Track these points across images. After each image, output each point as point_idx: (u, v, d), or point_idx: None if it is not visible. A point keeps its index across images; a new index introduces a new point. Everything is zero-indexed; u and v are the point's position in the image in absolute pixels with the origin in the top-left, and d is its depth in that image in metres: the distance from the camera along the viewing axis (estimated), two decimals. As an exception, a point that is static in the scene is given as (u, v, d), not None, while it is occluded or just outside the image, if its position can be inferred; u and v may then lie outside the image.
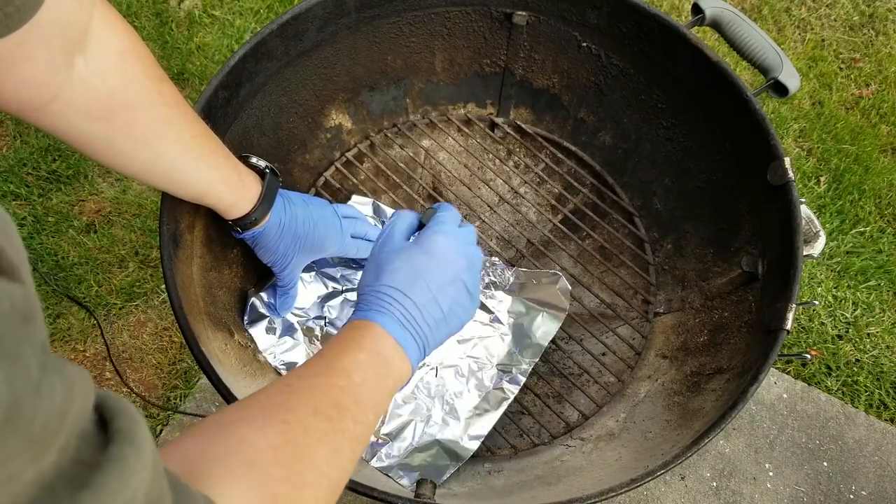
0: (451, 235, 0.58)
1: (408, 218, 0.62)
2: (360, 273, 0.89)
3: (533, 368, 0.86)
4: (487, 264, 0.91)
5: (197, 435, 0.38)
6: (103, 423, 0.24)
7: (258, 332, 0.83)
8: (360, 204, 0.95)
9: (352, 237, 0.82)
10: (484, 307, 0.89)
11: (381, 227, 0.93)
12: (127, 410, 0.25)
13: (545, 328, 0.87)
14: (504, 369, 0.85)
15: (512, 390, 0.84)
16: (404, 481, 0.77)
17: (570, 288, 0.88)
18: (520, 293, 0.90)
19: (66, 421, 0.21)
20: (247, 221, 0.71)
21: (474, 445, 0.80)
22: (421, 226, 0.62)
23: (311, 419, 0.41)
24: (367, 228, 0.84)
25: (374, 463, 0.78)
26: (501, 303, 0.90)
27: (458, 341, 0.87)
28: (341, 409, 0.44)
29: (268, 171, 0.73)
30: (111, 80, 0.54)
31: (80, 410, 0.22)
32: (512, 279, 0.90)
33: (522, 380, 0.84)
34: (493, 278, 0.91)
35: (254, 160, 0.73)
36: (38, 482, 0.20)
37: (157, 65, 0.58)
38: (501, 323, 0.88)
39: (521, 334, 0.87)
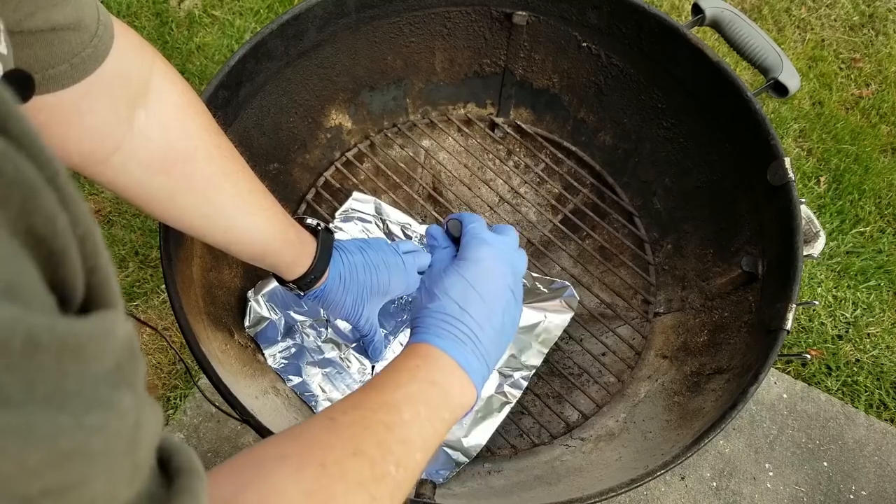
0: (492, 243, 0.57)
1: (437, 231, 0.61)
2: None
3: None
4: None
5: (234, 473, 0.37)
6: (161, 461, 0.24)
7: (259, 334, 0.83)
8: (362, 202, 0.95)
9: (419, 273, 0.79)
10: None
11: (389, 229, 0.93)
12: (182, 450, 0.25)
13: (547, 334, 0.87)
14: (506, 373, 0.85)
15: (514, 394, 0.84)
16: None
17: (577, 297, 0.88)
18: (525, 298, 0.90)
19: (153, 452, 0.22)
20: (307, 280, 0.69)
21: (476, 448, 0.80)
22: (452, 238, 0.61)
23: (350, 461, 0.39)
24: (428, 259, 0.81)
25: None
26: None
27: None
28: (385, 451, 0.41)
29: (320, 228, 0.71)
30: (171, 133, 0.54)
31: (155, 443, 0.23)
32: None
33: (524, 384, 0.84)
34: None
35: (308, 220, 0.72)
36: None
37: (214, 120, 0.59)
38: None
39: (523, 339, 0.87)
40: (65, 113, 0.46)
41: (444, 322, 0.51)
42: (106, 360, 0.18)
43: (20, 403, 0.15)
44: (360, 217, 0.94)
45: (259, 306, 0.83)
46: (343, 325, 0.86)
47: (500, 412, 0.82)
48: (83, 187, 1.41)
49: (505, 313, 0.55)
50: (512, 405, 0.83)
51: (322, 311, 0.86)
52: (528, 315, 0.89)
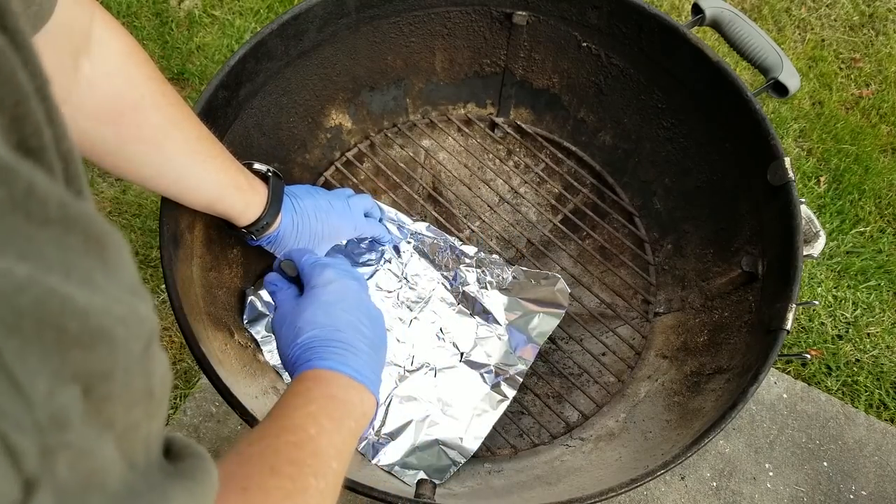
0: (332, 264, 0.60)
1: (274, 277, 0.64)
2: (371, 254, 0.90)
3: (532, 368, 0.86)
4: (487, 261, 0.91)
5: None
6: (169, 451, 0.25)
7: (258, 331, 0.83)
8: None
9: (364, 216, 0.82)
10: (482, 307, 0.89)
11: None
12: (191, 443, 0.25)
13: (542, 328, 0.87)
14: (502, 370, 0.85)
15: (510, 391, 0.84)
16: (408, 479, 0.77)
17: (568, 290, 0.88)
18: (517, 293, 0.90)
19: (165, 403, 0.22)
20: (260, 225, 0.70)
21: (475, 445, 0.80)
22: (290, 279, 0.64)
23: (270, 480, 0.39)
24: (374, 205, 0.84)
25: (376, 461, 0.78)
26: (498, 303, 0.90)
27: (455, 343, 0.87)
28: (300, 466, 0.41)
29: (271, 174, 0.72)
30: (117, 81, 0.54)
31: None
32: (511, 278, 0.90)
33: (520, 380, 0.84)
34: (489, 277, 0.91)
35: (256, 166, 0.73)
36: (146, 443, 0.21)
37: (157, 68, 0.59)
38: (498, 323, 0.88)
39: (517, 334, 0.87)
40: None
41: (319, 346, 0.52)
42: (122, 258, 0.19)
43: (62, 277, 0.16)
44: None
45: (258, 303, 0.83)
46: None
47: (496, 409, 0.82)
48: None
49: (372, 321, 0.56)
50: (509, 402, 0.83)
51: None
52: (522, 310, 0.89)
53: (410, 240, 0.93)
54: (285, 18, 0.80)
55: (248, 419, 0.60)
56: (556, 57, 0.97)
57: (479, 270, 0.91)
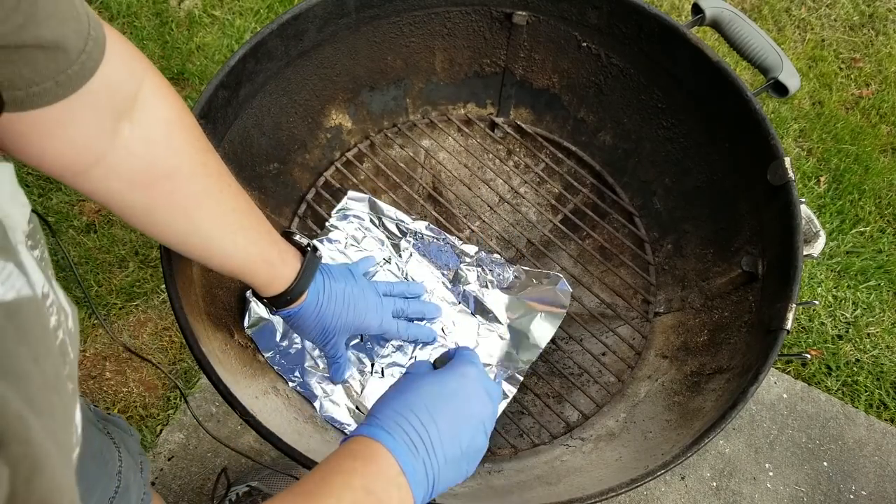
0: (482, 372, 0.54)
1: (422, 364, 0.57)
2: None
3: (533, 368, 0.86)
4: (487, 261, 0.91)
5: None
6: None
7: (258, 335, 0.83)
8: (357, 200, 0.95)
9: (393, 316, 0.79)
10: (482, 307, 0.89)
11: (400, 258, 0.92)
12: None
13: (543, 328, 0.87)
14: (503, 369, 0.85)
15: (510, 390, 0.84)
16: None
17: (570, 290, 0.88)
18: (519, 292, 0.90)
19: None
20: (283, 299, 0.67)
21: None
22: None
23: None
24: (409, 306, 0.81)
25: None
26: (499, 302, 0.90)
27: (456, 343, 0.87)
28: None
29: (309, 248, 0.70)
30: (155, 149, 0.53)
31: None
32: (512, 277, 0.90)
33: (520, 379, 0.84)
34: (490, 276, 0.91)
35: (297, 237, 0.70)
36: None
37: (204, 136, 0.57)
38: (500, 323, 0.88)
39: (519, 334, 0.87)
40: (47, 125, 0.44)
41: (405, 422, 0.46)
42: None
43: None
44: (356, 215, 0.94)
45: (258, 307, 0.83)
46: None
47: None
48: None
49: (473, 440, 0.50)
50: (509, 400, 0.83)
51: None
52: (523, 309, 0.89)
53: (410, 238, 0.93)
54: (285, 18, 0.80)
55: (248, 419, 0.60)
56: (556, 57, 0.97)
57: (479, 269, 0.91)
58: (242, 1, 1.73)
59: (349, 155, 1.00)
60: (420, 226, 0.93)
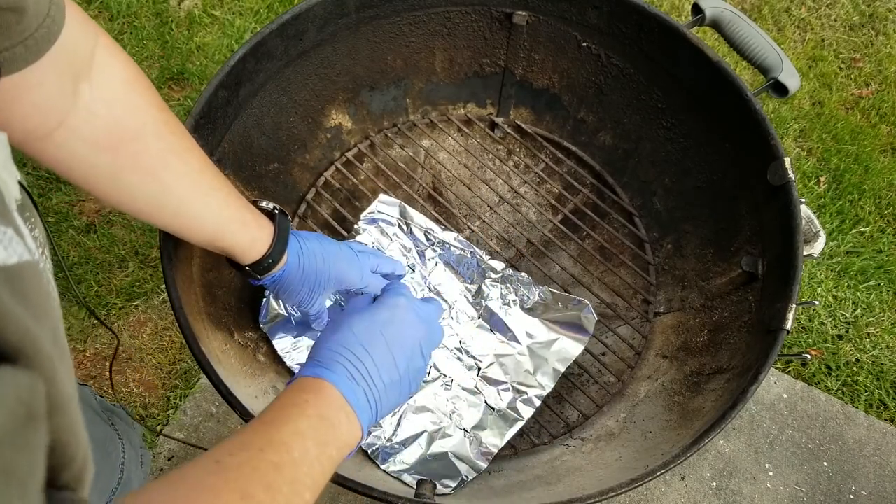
0: (412, 300, 0.58)
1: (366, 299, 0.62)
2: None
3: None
4: (514, 279, 0.89)
5: None
6: None
7: (275, 332, 0.82)
8: (388, 204, 0.93)
9: (371, 272, 0.78)
10: (503, 324, 0.88)
11: (405, 241, 0.91)
12: None
13: (564, 353, 0.85)
14: (520, 390, 0.84)
15: (526, 412, 0.82)
16: (407, 478, 0.77)
17: (595, 317, 0.86)
18: (542, 314, 0.88)
19: None
20: (265, 264, 0.66)
21: (484, 463, 0.79)
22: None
23: None
24: (384, 264, 0.80)
25: (385, 467, 0.78)
26: (520, 322, 0.88)
27: (473, 357, 0.86)
28: (274, 493, 0.40)
29: (277, 211, 0.69)
30: (117, 109, 0.53)
31: None
32: (537, 297, 0.88)
33: (538, 403, 0.83)
34: (513, 295, 0.89)
35: (262, 203, 0.69)
36: None
37: (159, 95, 0.57)
38: (518, 342, 0.87)
39: (538, 356, 0.86)
40: (17, 90, 0.44)
41: (342, 357, 0.51)
42: None
43: None
44: (385, 220, 0.92)
45: (275, 303, 0.83)
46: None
47: (511, 428, 0.81)
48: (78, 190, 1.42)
49: (409, 365, 0.55)
50: (523, 423, 0.82)
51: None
52: (545, 332, 0.87)
53: (437, 248, 0.91)
54: (285, 18, 0.80)
55: (248, 419, 0.60)
56: (556, 57, 0.97)
57: (503, 287, 0.89)
58: (242, 1, 1.73)
59: (349, 155, 1.00)
60: (449, 237, 0.91)
